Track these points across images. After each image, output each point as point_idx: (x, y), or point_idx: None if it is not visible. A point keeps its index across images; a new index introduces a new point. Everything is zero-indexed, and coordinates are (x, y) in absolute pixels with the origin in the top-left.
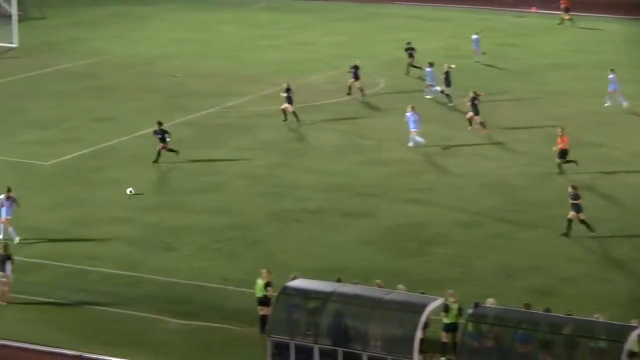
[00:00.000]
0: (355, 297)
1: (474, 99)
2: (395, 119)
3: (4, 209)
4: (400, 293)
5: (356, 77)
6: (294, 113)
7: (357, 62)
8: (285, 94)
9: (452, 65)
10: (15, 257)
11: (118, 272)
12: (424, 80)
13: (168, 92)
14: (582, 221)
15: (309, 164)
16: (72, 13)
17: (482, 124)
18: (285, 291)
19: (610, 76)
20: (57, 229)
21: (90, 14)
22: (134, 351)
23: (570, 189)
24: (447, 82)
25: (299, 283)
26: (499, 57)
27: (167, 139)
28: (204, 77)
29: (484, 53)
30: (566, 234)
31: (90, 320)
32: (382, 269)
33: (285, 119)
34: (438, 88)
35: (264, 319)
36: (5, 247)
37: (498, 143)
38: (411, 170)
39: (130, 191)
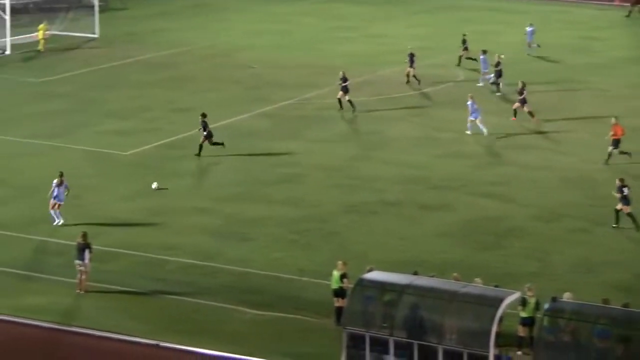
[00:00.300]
0: (431, 290)
1: (522, 90)
2: None
3: (56, 194)
4: (476, 286)
5: (412, 65)
6: (349, 102)
7: (412, 50)
8: (341, 83)
9: (502, 56)
10: (94, 246)
11: (195, 262)
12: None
13: (247, 83)
14: (618, 211)
15: (386, 156)
16: (153, 4)
17: (530, 112)
18: (361, 283)
19: None
20: (136, 218)
21: (171, 5)
22: (209, 341)
23: (617, 182)
24: (499, 72)
25: (375, 275)
26: (579, 50)
27: (204, 132)
28: (283, 69)
29: (538, 46)
30: (637, 228)
31: (166, 309)
32: (459, 262)
33: (341, 108)
34: (491, 76)
35: (339, 311)
36: (84, 235)
37: (577, 136)
38: (489, 163)
39: (156, 186)
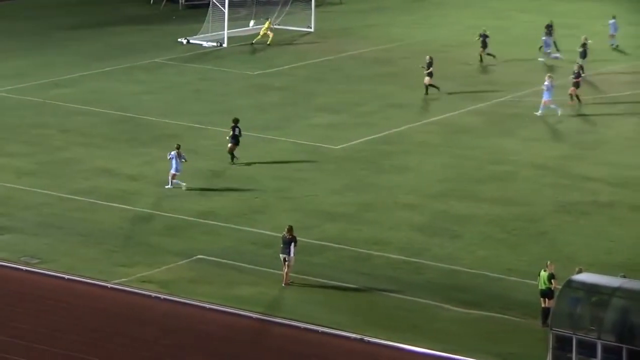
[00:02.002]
0: None
1: (578, 73)
2: None
3: (174, 164)
4: None
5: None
6: (431, 85)
7: (486, 32)
8: (426, 69)
9: (589, 40)
10: (302, 239)
11: (402, 257)
12: None
13: (461, 79)
14: None
15: (601, 157)
16: None
17: (577, 96)
18: (570, 284)
19: None
20: (344, 212)
21: (387, 0)
22: (414, 337)
23: None
24: (584, 54)
25: (585, 277)
26: None
27: (232, 138)
28: (498, 65)
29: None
30: None
31: (371, 304)
32: None
33: (427, 93)
34: (559, 55)
35: (546, 312)
36: (290, 229)
37: None
38: None
39: (172, 185)
